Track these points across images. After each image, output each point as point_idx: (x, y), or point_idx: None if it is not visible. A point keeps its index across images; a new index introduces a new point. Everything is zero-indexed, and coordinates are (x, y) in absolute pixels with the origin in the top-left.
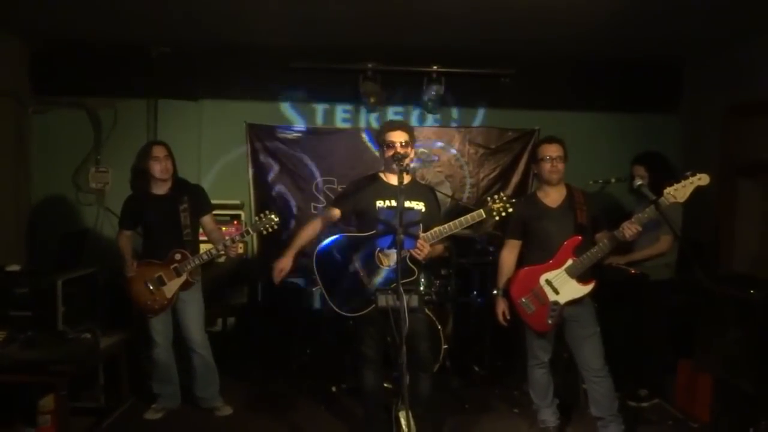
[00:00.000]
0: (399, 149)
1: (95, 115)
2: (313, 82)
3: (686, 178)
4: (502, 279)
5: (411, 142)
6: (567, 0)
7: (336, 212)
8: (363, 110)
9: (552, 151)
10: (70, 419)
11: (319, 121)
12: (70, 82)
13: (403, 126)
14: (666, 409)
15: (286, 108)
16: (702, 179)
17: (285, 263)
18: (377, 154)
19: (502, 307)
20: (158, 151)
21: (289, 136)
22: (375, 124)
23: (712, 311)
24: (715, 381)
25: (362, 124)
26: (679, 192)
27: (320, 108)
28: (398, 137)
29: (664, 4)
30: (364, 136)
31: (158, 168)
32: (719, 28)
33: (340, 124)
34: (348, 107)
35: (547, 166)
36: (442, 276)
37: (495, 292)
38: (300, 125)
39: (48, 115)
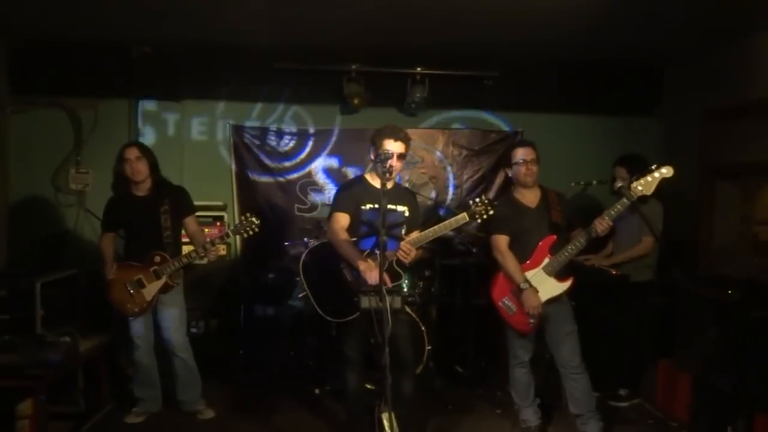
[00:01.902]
0: (394, 162)
1: (75, 116)
2: (297, 83)
3: (651, 171)
4: (519, 269)
5: (406, 154)
6: (549, 4)
7: (346, 218)
8: (346, 111)
9: (526, 154)
10: (48, 424)
11: (303, 121)
12: (49, 82)
13: (403, 137)
14: (646, 409)
15: (270, 108)
16: (666, 171)
17: (375, 272)
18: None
19: (537, 297)
20: (129, 153)
21: (273, 137)
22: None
23: (691, 311)
24: (694, 380)
25: (345, 125)
26: (645, 186)
27: (304, 108)
28: (397, 148)
29: (645, 9)
30: (337, 137)
31: (129, 170)
32: (699, 32)
33: (323, 124)
34: (332, 108)
35: (522, 170)
36: (426, 277)
37: (522, 286)
38: (284, 126)
39: (27, 115)
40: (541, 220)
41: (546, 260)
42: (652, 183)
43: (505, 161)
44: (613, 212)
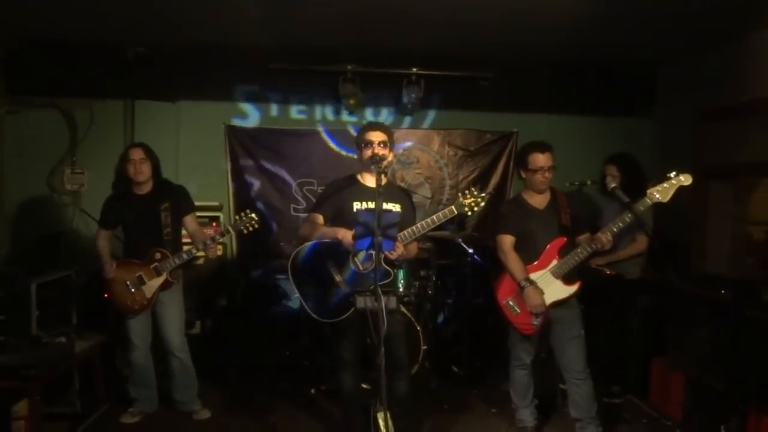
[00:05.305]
0: (377, 149)
1: (71, 116)
2: (292, 84)
3: (669, 178)
4: (521, 268)
5: (389, 143)
6: (544, 5)
7: (320, 218)
8: (342, 112)
9: (545, 161)
10: (44, 425)
11: (297, 122)
12: (44, 83)
13: (382, 127)
14: (640, 407)
15: (265, 109)
16: (685, 179)
17: (345, 232)
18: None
19: (539, 296)
20: (133, 154)
21: (268, 138)
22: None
23: (684, 311)
24: (688, 379)
25: (340, 126)
26: (662, 192)
27: (300, 110)
28: (376, 137)
29: (639, 12)
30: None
31: (132, 170)
32: (691, 34)
33: (318, 125)
34: (327, 108)
35: (539, 178)
36: (422, 277)
37: (522, 284)
38: (279, 126)
39: (22, 116)
40: (549, 222)
41: (554, 262)
42: (669, 190)
43: (519, 162)
44: (617, 226)
